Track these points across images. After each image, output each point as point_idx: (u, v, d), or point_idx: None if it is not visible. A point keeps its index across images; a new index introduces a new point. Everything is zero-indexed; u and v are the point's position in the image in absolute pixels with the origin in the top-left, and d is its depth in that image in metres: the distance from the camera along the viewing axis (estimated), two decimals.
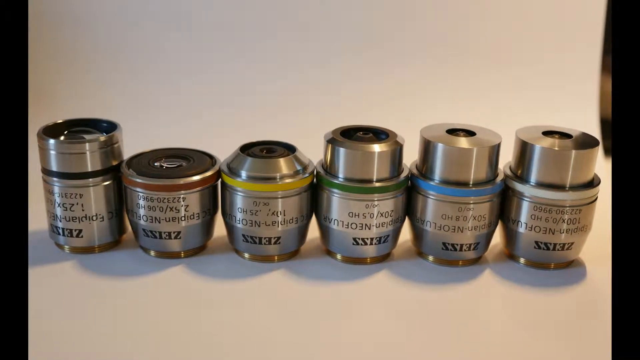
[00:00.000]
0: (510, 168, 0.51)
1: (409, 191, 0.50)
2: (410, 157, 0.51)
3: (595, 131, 0.77)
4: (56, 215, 0.50)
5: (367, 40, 0.83)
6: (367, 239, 0.50)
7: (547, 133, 0.50)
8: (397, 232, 0.51)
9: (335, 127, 0.51)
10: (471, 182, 0.48)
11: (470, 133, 0.50)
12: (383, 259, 0.52)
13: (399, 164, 0.49)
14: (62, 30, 0.83)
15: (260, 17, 0.83)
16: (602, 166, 0.70)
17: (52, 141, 0.48)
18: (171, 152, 0.52)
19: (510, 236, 0.51)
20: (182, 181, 0.48)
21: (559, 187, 0.48)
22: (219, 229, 0.52)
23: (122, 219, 0.52)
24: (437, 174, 0.49)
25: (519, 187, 0.49)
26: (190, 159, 0.51)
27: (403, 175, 0.49)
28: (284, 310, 0.46)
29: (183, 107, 0.81)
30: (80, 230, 0.50)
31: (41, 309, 0.44)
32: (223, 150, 0.52)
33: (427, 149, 0.49)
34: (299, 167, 0.49)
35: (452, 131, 0.50)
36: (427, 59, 0.82)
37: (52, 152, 0.48)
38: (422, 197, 0.49)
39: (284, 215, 0.49)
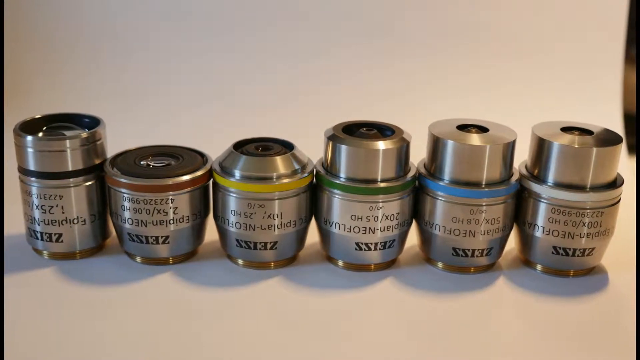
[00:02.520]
0: (526, 167, 0.51)
1: (416, 192, 0.50)
2: (418, 155, 0.51)
3: (618, 127, 0.77)
4: (34, 218, 0.50)
5: (371, 30, 0.83)
6: (371, 243, 0.49)
7: (566, 129, 0.50)
8: (403, 237, 0.51)
9: (336, 122, 0.51)
10: (484, 183, 0.48)
11: (482, 129, 0.50)
12: (388, 265, 0.52)
13: (405, 163, 0.49)
14: (40, 19, 0.83)
15: (258, 5, 0.83)
16: (625, 165, 0.70)
17: (29, 138, 0.48)
18: (159, 149, 0.52)
19: (526, 241, 0.51)
20: (170, 181, 0.48)
21: (579, 188, 0.48)
22: (211, 233, 0.52)
23: (106, 222, 0.52)
24: (447, 173, 0.49)
25: (535, 187, 0.49)
26: (180, 158, 0.51)
27: (410, 175, 0.49)
28: (281, 321, 0.46)
29: (172, 101, 0.81)
30: (60, 235, 0.50)
31: (17, 320, 0.44)
32: (215, 148, 0.52)
33: (436, 146, 0.49)
34: (297, 166, 0.49)
35: (463, 127, 0.50)
36: (435, 49, 0.82)
37: (30, 150, 0.48)
38: (431, 198, 0.49)
39: (281, 218, 0.49)
